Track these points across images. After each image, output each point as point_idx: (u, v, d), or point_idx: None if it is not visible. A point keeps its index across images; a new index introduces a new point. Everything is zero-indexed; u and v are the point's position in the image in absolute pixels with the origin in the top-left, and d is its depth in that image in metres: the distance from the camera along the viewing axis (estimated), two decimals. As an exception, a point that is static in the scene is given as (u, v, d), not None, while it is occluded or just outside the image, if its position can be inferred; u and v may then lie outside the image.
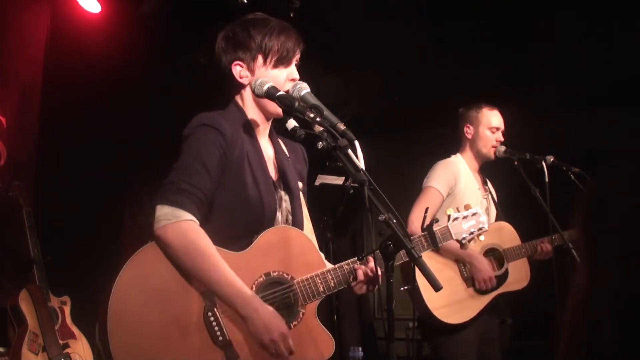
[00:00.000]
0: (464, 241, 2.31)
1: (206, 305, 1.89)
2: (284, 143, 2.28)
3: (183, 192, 1.90)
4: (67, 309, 3.79)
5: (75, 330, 3.78)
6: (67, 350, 3.65)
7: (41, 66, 4.32)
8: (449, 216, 2.31)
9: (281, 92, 1.98)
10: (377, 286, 2.09)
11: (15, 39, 4.22)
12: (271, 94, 1.98)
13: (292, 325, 2.01)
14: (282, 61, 2.09)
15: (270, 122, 2.19)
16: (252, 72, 2.10)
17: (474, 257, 3.37)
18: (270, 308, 1.93)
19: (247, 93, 2.13)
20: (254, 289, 1.96)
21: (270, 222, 2.07)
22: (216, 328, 1.89)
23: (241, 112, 2.12)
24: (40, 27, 4.32)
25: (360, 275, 2.08)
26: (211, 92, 2.24)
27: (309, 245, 2.11)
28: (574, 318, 0.95)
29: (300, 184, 2.23)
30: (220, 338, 1.89)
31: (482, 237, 2.34)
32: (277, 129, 2.25)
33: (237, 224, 2.00)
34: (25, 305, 3.59)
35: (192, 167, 1.95)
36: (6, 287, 3.86)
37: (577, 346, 0.93)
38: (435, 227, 2.26)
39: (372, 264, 2.06)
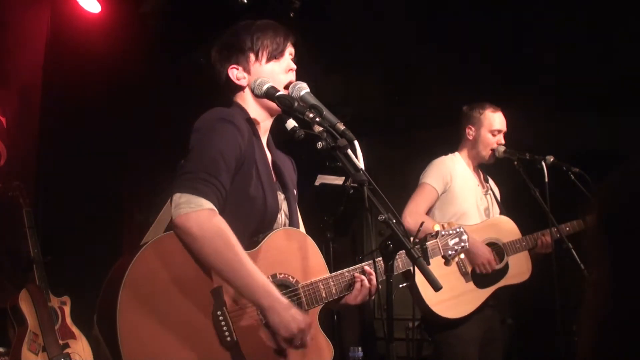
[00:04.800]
0: (449, 257, 2.39)
1: (215, 304, 1.86)
2: (276, 152, 2.30)
3: (203, 182, 1.85)
4: (67, 309, 3.80)
5: (75, 330, 3.78)
6: (67, 350, 3.66)
7: (41, 66, 4.32)
8: (437, 232, 2.38)
9: (280, 92, 1.99)
10: (372, 296, 2.10)
11: (15, 39, 4.22)
12: (270, 94, 1.99)
13: None
14: (274, 54, 2.13)
15: (270, 123, 2.20)
16: (248, 72, 2.13)
17: (470, 244, 3.38)
18: (293, 309, 1.91)
19: (246, 94, 2.15)
20: None
21: (271, 222, 2.07)
22: (224, 328, 1.86)
23: (244, 112, 2.13)
24: (40, 27, 4.32)
25: (358, 286, 2.09)
26: (211, 92, 2.24)
27: (314, 249, 2.12)
28: (587, 319, 0.95)
29: (294, 191, 2.25)
30: (228, 338, 1.86)
31: (462, 256, 2.44)
32: (275, 135, 2.26)
33: (239, 222, 1.97)
34: (25, 305, 3.59)
35: (211, 158, 1.90)
36: (6, 287, 3.86)
37: (587, 350, 0.94)
38: (427, 242, 2.32)
39: (372, 274, 2.08)
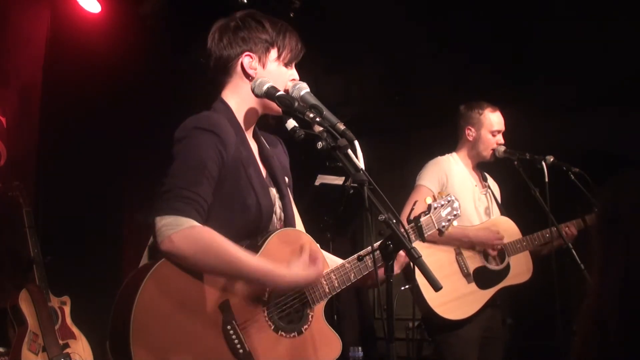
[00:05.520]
0: (443, 229, 2.37)
1: (224, 319, 1.86)
2: (263, 137, 2.23)
3: (183, 199, 1.82)
4: (67, 309, 3.80)
5: (75, 330, 3.78)
6: (67, 350, 3.66)
7: (41, 66, 4.32)
8: (429, 206, 2.36)
9: (281, 92, 1.96)
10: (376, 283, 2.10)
11: (15, 39, 4.22)
12: (271, 94, 1.96)
13: (303, 329, 2.01)
14: (291, 61, 2.11)
15: (259, 114, 2.14)
16: (263, 65, 2.07)
17: (472, 234, 3.39)
18: (296, 270, 1.95)
19: (243, 83, 2.08)
20: (267, 296, 1.96)
21: (267, 223, 2.05)
22: (236, 340, 1.86)
23: (229, 110, 2.07)
24: (40, 27, 4.33)
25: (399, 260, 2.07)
26: (211, 92, 2.22)
27: (312, 246, 2.11)
28: (585, 318, 0.96)
29: (286, 179, 2.21)
30: (241, 350, 1.86)
31: (455, 223, 2.42)
32: (259, 124, 2.23)
33: (234, 227, 1.96)
34: (25, 305, 3.59)
35: (190, 173, 1.87)
36: (6, 287, 3.87)
37: (587, 344, 0.94)
38: (421, 219, 2.30)
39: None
